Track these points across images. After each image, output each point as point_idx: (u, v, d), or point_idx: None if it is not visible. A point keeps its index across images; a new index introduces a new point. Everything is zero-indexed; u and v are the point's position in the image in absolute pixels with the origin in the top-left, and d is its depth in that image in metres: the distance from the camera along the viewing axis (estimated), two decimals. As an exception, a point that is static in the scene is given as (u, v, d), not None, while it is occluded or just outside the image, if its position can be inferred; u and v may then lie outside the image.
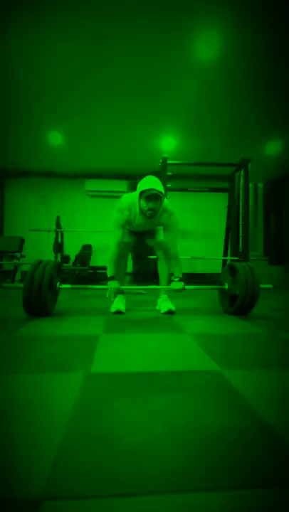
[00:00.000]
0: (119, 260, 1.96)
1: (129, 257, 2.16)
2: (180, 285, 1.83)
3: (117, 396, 0.72)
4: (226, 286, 1.94)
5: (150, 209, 1.69)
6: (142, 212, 1.75)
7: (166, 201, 1.84)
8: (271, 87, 3.26)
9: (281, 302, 2.65)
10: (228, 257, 4.27)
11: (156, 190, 1.64)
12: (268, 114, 3.80)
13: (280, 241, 6.30)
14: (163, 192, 1.69)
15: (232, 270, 1.94)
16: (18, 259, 4.47)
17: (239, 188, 4.07)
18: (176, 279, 1.86)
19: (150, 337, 1.30)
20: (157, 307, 2.10)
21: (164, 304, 1.96)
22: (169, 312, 1.91)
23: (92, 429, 0.58)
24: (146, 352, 1.07)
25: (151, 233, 2.05)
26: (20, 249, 4.51)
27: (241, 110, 3.72)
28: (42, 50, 2.69)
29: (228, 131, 4.28)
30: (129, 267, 5.79)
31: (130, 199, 1.82)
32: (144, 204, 1.70)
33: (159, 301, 2.08)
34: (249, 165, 3.92)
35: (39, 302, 1.66)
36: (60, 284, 1.91)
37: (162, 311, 1.95)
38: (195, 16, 2.37)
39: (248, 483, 0.44)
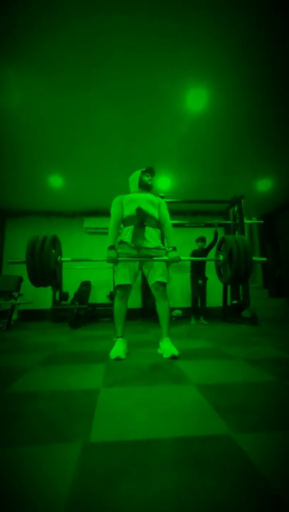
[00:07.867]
0: (118, 231, 2.11)
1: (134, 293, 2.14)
2: (175, 254, 1.99)
3: (120, 475, 0.64)
4: (221, 257, 2.11)
5: (150, 179, 2.21)
6: (141, 184, 2.17)
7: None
8: (260, 131, 3.50)
9: (286, 340, 2.56)
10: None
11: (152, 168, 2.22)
12: (258, 155, 4.03)
13: (279, 272, 6.31)
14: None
15: (221, 243, 2.17)
16: (15, 298, 4.39)
17: (235, 222, 4.16)
18: (170, 249, 2.03)
19: (153, 391, 1.22)
20: (159, 350, 2.01)
21: (167, 349, 1.88)
22: (173, 357, 1.83)
23: (93, 525, 0.51)
24: (150, 411, 0.99)
25: (151, 266, 2.03)
26: (18, 289, 4.45)
27: (233, 151, 3.95)
28: (41, 98, 2.89)
29: (220, 171, 4.50)
30: (138, 303, 5.70)
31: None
32: (145, 177, 2.18)
33: (161, 343, 2.00)
34: (242, 201, 4.05)
35: (43, 269, 1.78)
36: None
37: (165, 356, 1.86)
38: (188, 72, 2.62)
39: None
